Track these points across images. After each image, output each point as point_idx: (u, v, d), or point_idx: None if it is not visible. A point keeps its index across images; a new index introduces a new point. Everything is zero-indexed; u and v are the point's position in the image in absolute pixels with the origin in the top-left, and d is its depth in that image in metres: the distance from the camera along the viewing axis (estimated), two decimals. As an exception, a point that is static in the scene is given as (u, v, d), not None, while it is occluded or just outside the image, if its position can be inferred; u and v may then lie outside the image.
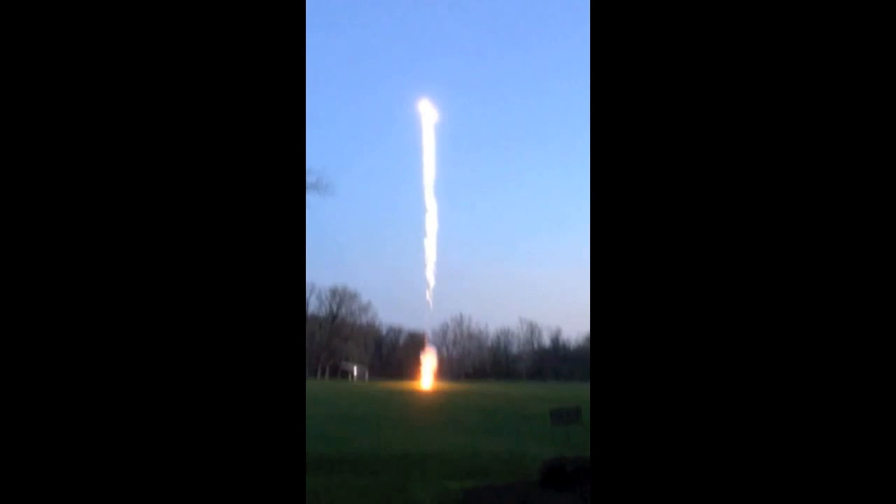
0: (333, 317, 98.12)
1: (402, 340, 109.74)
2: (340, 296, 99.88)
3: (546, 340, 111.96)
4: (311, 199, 19.02)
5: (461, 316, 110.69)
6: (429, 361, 64.46)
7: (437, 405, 26.76)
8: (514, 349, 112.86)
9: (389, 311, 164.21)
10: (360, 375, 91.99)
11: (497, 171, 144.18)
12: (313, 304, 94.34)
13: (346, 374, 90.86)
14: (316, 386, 49.00)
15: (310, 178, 19.06)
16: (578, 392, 40.30)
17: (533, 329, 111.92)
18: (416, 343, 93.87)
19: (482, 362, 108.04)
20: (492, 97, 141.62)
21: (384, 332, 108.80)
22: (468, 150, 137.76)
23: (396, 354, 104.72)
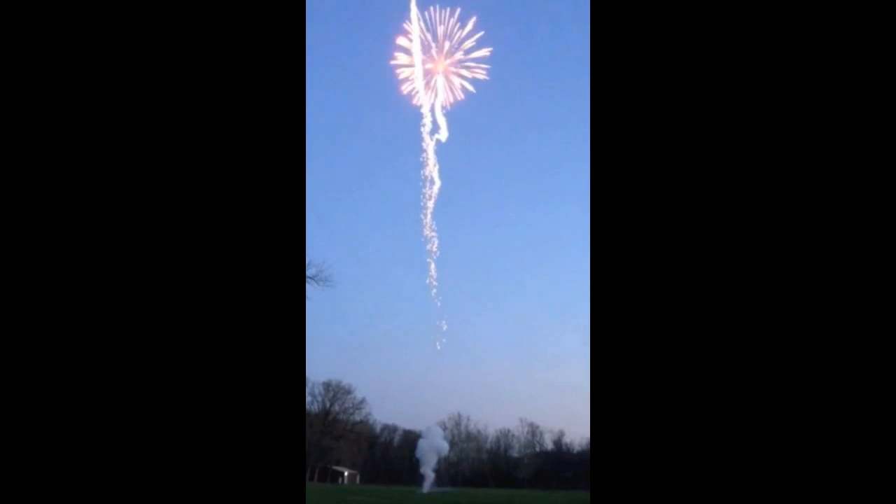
0: (326, 413, 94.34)
1: (396, 440, 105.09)
2: (334, 391, 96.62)
3: (548, 443, 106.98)
4: (308, 290, 18.66)
5: (459, 415, 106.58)
6: (425, 464, 60.73)
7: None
8: (515, 452, 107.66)
9: (384, 408, 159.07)
10: (352, 478, 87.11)
11: (498, 273, 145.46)
12: (305, 400, 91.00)
13: (336, 476, 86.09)
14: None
15: (309, 271, 19.08)
16: (584, 501, 37.73)
17: (534, 431, 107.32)
18: (411, 443, 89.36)
19: (481, 465, 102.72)
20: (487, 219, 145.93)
21: (378, 429, 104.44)
22: (469, 247, 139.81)
23: (391, 455, 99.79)
